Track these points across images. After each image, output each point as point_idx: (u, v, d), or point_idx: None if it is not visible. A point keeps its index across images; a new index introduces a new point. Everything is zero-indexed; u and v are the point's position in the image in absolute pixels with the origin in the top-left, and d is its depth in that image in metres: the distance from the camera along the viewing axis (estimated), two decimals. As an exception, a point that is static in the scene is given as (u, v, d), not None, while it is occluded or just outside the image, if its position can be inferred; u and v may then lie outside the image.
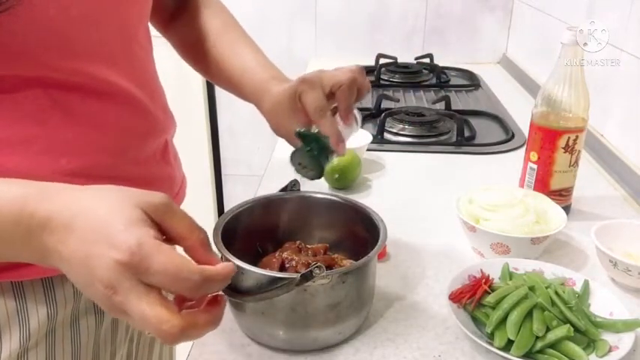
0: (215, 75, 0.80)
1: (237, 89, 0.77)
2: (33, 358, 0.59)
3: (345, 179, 1.01)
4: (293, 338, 0.62)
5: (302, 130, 0.68)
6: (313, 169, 0.70)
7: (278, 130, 0.72)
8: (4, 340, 0.57)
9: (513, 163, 1.03)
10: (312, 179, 0.71)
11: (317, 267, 0.54)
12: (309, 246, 0.71)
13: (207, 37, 0.78)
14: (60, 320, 0.61)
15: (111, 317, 0.66)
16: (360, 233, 0.69)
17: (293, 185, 0.73)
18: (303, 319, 0.60)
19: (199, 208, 0.78)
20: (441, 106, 1.44)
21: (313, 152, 0.68)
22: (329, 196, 0.74)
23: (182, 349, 0.69)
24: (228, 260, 0.58)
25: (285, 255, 0.67)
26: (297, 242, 0.71)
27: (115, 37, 0.60)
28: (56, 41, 0.53)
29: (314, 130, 0.68)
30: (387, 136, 1.28)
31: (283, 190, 0.73)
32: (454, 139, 1.27)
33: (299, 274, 0.54)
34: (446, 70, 1.81)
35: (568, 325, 0.62)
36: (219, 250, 0.60)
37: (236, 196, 2.10)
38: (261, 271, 0.57)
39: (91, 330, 0.64)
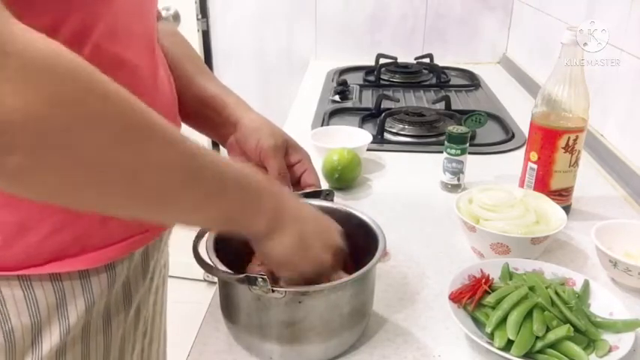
0: None
1: (196, 115, 0.78)
2: (70, 353, 0.60)
3: (345, 179, 1.01)
4: (250, 344, 0.62)
5: None
6: None
7: (245, 145, 0.75)
8: (44, 336, 0.57)
9: (513, 163, 1.03)
10: None
11: (262, 278, 0.53)
12: None
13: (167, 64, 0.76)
14: (95, 313, 0.61)
15: (133, 309, 0.67)
16: (359, 243, 0.66)
17: (327, 194, 0.73)
18: (259, 329, 0.59)
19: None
20: (441, 106, 1.44)
21: None
22: (328, 204, 0.72)
23: (182, 349, 0.69)
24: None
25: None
26: None
27: (149, 31, 0.63)
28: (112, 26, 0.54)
29: None
30: (387, 136, 1.28)
31: (313, 195, 0.73)
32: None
33: (244, 274, 0.54)
34: (446, 70, 1.81)
35: (568, 325, 0.62)
36: (208, 253, 0.60)
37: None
38: (221, 266, 0.58)
39: (121, 322, 0.65)
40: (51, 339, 0.58)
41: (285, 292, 0.55)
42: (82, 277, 0.59)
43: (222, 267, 0.58)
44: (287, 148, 0.75)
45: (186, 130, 0.79)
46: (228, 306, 0.63)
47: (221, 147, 0.81)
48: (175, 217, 0.51)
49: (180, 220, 0.51)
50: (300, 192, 0.73)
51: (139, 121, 0.42)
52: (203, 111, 0.77)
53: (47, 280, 0.57)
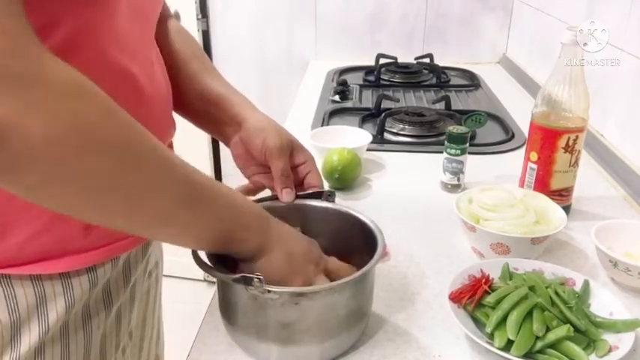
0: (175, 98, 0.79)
1: (201, 113, 0.78)
2: (49, 352, 0.60)
3: (345, 179, 1.01)
4: (248, 344, 0.62)
5: None
6: None
7: (250, 144, 0.75)
8: (23, 334, 0.57)
9: (513, 163, 1.03)
10: None
11: (258, 278, 0.53)
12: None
13: (174, 61, 0.76)
14: (74, 313, 0.61)
15: (115, 309, 0.67)
16: (359, 245, 0.66)
17: (328, 195, 0.72)
18: (256, 329, 0.59)
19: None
20: (440, 106, 1.44)
21: None
22: (327, 205, 0.72)
23: (182, 349, 0.69)
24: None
25: None
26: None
27: (149, 34, 0.63)
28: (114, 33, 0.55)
29: None
30: (387, 136, 1.28)
31: (315, 196, 0.73)
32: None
33: (240, 274, 0.54)
34: (446, 70, 1.81)
35: (568, 325, 0.62)
36: (206, 253, 0.60)
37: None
38: (219, 271, 0.58)
39: (101, 322, 0.65)
40: (30, 337, 0.58)
41: (282, 293, 0.55)
42: (62, 278, 0.59)
43: (219, 267, 0.58)
44: (292, 149, 0.75)
45: (190, 128, 0.79)
46: (226, 306, 0.63)
47: (222, 145, 0.81)
48: (168, 237, 0.54)
49: (173, 238, 0.54)
50: (302, 193, 0.73)
51: (143, 147, 0.47)
52: (209, 110, 0.77)
53: (27, 280, 0.56)
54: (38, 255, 0.56)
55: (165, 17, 0.76)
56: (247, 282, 0.54)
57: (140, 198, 0.47)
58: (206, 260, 0.59)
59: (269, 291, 0.54)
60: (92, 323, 0.64)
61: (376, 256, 0.61)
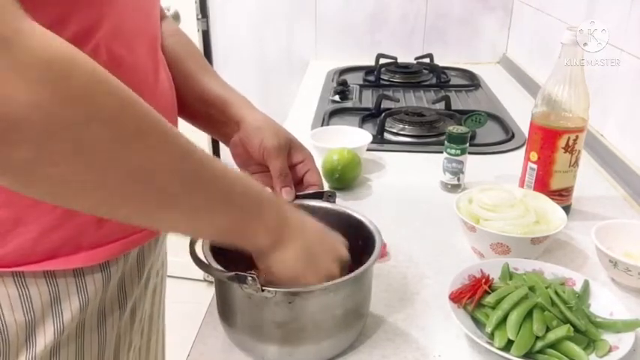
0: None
1: (199, 114, 0.78)
2: (65, 352, 0.60)
3: (345, 179, 1.01)
4: (241, 342, 0.62)
5: None
6: None
7: (249, 143, 0.74)
8: (38, 334, 0.57)
9: (513, 163, 1.03)
10: None
11: (252, 277, 0.53)
12: None
13: (169, 61, 0.75)
14: (89, 312, 0.61)
15: (129, 308, 0.67)
16: (358, 245, 0.66)
17: (329, 196, 0.72)
18: (251, 328, 0.59)
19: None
20: (440, 106, 1.44)
21: None
22: (325, 205, 0.72)
23: (182, 349, 0.69)
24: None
25: None
26: None
27: (152, 31, 0.64)
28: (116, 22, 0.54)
29: None
30: (387, 136, 1.28)
31: (315, 197, 0.73)
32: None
33: (234, 273, 0.54)
34: (446, 70, 1.81)
35: (568, 325, 0.62)
36: (203, 251, 0.60)
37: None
38: (214, 268, 0.58)
39: (115, 321, 0.65)
40: (45, 337, 0.58)
41: (276, 292, 0.55)
42: (76, 275, 0.59)
43: (215, 265, 0.57)
44: (290, 147, 0.75)
45: (188, 129, 0.79)
46: (222, 305, 0.63)
47: (222, 145, 0.81)
48: (175, 224, 0.50)
49: (179, 226, 0.51)
50: (302, 192, 0.73)
51: (151, 125, 0.43)
52: (206, 110, 0.77)
53: (41, 278, 0.57)
54: (52, 251, 0.56)
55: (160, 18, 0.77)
56: (241, 280, 0.54)
57: (142, 175, 0.43)
58: (203, 258, 0.59)
59: (263, 290, 0.54)
60: (107, 324, 0.64)
61: (373, 257, 0.61)
